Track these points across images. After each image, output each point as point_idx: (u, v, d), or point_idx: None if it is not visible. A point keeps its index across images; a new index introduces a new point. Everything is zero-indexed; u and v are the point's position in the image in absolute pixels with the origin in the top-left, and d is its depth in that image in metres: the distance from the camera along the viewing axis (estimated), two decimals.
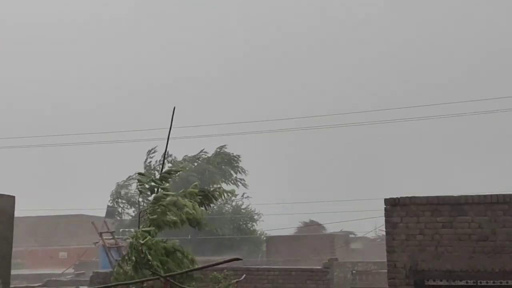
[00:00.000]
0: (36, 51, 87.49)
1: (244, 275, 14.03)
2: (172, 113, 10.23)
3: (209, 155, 43.99)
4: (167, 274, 8.51)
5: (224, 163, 43.49)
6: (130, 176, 41.83)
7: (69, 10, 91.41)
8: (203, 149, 43.89)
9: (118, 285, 9.14)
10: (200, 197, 10.41)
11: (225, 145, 44.30)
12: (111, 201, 40.74)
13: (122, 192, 41.51)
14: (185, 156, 43.49)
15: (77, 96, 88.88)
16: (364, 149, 79.95)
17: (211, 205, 10.68)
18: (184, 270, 9.04)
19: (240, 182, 44.26)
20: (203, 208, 10.41)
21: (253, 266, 20.78)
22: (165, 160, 11.07)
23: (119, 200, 40.79)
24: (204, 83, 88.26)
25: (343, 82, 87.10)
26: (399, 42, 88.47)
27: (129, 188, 41.69)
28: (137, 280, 9.18)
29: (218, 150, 44.19)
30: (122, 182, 42.20)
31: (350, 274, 20.49)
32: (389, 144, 77.77)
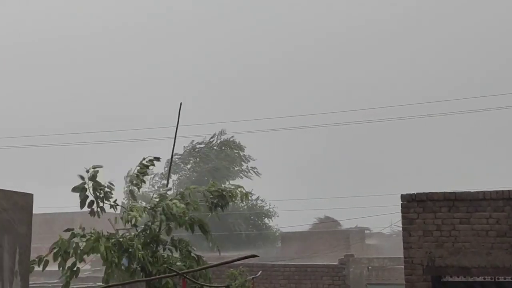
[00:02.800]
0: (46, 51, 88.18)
1: (260, 272, 14.06)
2: (178, 109, 10.20)
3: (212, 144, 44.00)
4: (184, 271, 8.53)
5: (228, 149, 43.37)
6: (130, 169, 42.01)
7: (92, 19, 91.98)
8: (195, 141, 43.76)
9: (135, 282, 9.17)
10: (215, 197, 10.29)
11: (224, 129, 44.00)
12: (125, 198, 41.04)
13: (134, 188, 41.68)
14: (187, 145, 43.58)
15: (102, 98, 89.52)
16: (380, 145, 79.60)
17: (225, 207, 10.47)
18: (200, 267, 9.04)
19: (252, 171, 44.14)
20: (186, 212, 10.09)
21: (269, 263, 20.81)
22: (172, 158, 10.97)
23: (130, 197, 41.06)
24: (216, 81, 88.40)
25: (360, 80, 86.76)
26: (417, 38, 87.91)
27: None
28: (155, 277, 9.21)
29: (218, 135, 44.02)
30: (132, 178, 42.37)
31: (366, 270, 20.41)
32: (406, 140, 77.34)
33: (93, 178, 9.25)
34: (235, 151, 43.96)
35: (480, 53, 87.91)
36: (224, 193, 10.28)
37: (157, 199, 9.97)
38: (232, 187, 10.88)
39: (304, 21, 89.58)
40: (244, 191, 10.76)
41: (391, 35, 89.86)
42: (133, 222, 9.41)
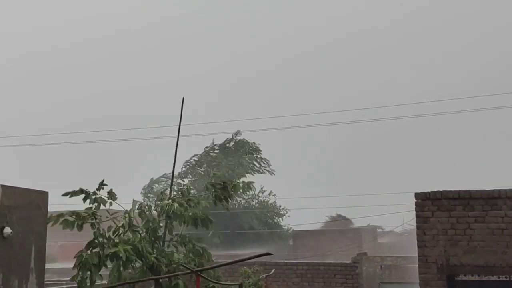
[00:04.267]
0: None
1: (274, 270, 14.03)
2: (181, 104, 10.15)
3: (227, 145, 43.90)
4: (199, 269, 8.55)
5: (243, 152, 43.27)
6: (165, 174, 42.29)
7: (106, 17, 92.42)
8: (215, 143, 43.80)
9: (148, 280, 9.21)
10: (217, 190, 10.28)
11: (239, 130, 43.93)
12: (142, 195, 41.16)
13: (155, 189, 41.91)
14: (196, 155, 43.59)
15: (119, 95, 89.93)
16: (394, 143, 79.31)
17: (229, 199, 10.44)
18: (215, 265, 9.05)
19: (266, 169, 43.99)
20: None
21: (282, 261, 20.79)
22: (175, 157, 10.97)
23: (150, 195, 41.15)
24: (232, 81, 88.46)
25: (373, 79, 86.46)
26: (430, 37, 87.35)
27: (162, 184, 42.12)
28: (169, 275, 9.24)
29: (233, 137, 43.99)
30: (155, 179, 42.71)
31: (379, 268, 20.33)
32: (420, 137, 76.93)
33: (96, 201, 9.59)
34: (250, 154, 43.79)
35: (493, 52, 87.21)
36: (226, 185, 10.27)
37: (158, 199, 10.06)
38: (238, 181, 10.87)
39: (322, 21, 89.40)
40: (246, 182, 10.75)
41: (405, 34, 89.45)
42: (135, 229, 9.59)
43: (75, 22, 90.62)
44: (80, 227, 9.48)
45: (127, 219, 9.85)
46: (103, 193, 10.02)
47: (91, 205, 9.93)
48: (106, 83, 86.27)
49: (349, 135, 78.80)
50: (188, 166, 42.93)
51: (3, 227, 7.36)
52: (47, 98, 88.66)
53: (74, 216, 9.44)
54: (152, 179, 42.49)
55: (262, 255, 7.91)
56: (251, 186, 11.51)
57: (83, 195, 9.98)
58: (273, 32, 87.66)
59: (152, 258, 9.34)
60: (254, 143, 43.97)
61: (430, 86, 79.69)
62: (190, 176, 42.74)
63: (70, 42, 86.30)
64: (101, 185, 9.96)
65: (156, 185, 42.33)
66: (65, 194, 9.75)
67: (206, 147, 43.69)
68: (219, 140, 44.33)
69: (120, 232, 9.79)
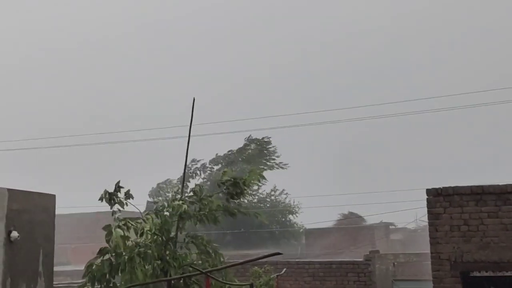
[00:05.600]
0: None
1: (285, 269, 13.95)
2: (192, 105, 10.06)
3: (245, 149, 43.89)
4: (208, 269, 8.47)
5: (257, 154, 43.22)
6: (168, 179, 42.48)
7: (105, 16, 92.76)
8: (231, 150, 43.89)
9: (157, 282, 9.14)
10: (228, 187, 10.16)
11: (250, 135, 43.93)
12: (151, 198, 41.34)
13: (162, 191, 42.07)
14: (217, 154, 43.62)
15: (121, 95, 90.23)
16: (405, 139, 78.86)
17: (241, 197, 10.30)
18: (225, 265, 8.96)
19: (279, 166, 43.85)
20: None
21: (293, 260, 20.70)
22: (187, 157, 10.85)
23: (159, 198, 41.28)
24: (243, 80, 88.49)
25: (384, 74, 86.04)
26: (450, 30, 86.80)
27: (169, 187, 42.30)
28: (177, 276, 9.16)
29: (246, 141, 43.96)
30: (162, 183, 42.90)
31: (392, 266, 20.18)
32: (432, 133, 76.41)
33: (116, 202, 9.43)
34: (267, 157, 43.70)
35: (503, 46, 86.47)
36: (237, 180, 10.10)
37: (169, 200, 9.97)
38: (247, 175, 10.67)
39: (333, 16, 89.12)
40: (258, 175, 10.52)
41: (423, 25, 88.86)
42: (147, 235, 9.44)
43: (84, 22, 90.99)
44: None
45: (152, 221, 9.64)
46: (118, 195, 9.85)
47: (114, 209, 9.69)
48: (108, 84, 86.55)
49: (361, 132, 78.48)
50: (197, 167, 42.97)
51: (10, 231, 7.34)
52: (47, 100, 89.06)
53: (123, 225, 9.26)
54: (158, 184, 42.71)
55: (271, 255, 7.82)
56: (262, 175, 11.27)
57: (107, 197, 9.77)
58: (283, 28, 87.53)
59: (166, 260, 9.25)
60: (268, 142, 43.84)
61: (442, 81, 79.17)
62: (202, 176, 42.77)
63: (76, 42, 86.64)
64: (118, 187, 9.78)
65: (164, 186, 42.49)
66: (100, 199, 9.57)
67: (231, 150, 43.61)
68: (232, 139, 44.40)
69: (149, 235, 9.55)
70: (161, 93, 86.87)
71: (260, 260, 14.03)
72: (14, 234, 7.34)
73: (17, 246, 7.41)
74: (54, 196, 8.13)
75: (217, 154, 43.67)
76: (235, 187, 10.20)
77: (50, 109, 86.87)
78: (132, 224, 9.13)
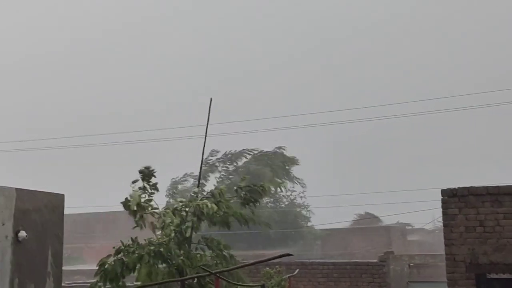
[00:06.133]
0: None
1: (297, 270, 13.85)
2: (209, 105, 10.08)
3: (266, 151, 43.71)
4: (218, 270, 8.40)
5: (280, 167, 43.00)
6: (186, 173, 42.44)
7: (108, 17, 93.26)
8: (258, 149, 43.73)
9: (169, 282, 9.09)
10: (246, 192, 10.10)
11: (283, 146, 43.73)
12: (168, 197, 41.36)
13: (179, 187, 42.06)
14: (243, 150, 43.53)
15: (130, 93, 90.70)
16: (422, 138, 78.18)
17: (259, 201, 10.24)
18: (234, 267, 8.88)
19: (298, 182, 43.80)
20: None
21: (307, 260, 20.57)
22: (203, 155, 10.80)
23: (176, 196, 41.29)
24: (249, 77, 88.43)
25: (398, 74, 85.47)
26: (465, 27, 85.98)
27: (185, 184, 42.28)
28: (188, 277, 9.11)
29: (277, 150, 43.79)
30: (177, 179, 42.82)
31: (407, 267, 19.95)
32: (448, 132, 75.72)
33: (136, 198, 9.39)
34: (284, 165, 43.52)
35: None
36: (255, 187, 10.07)
37: (187, 200, 9.88)
38: (268, 185, 10.62)
39: (343, 11, 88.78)
40: (278, 183, 10.53)
41: (439, 22, 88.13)
42: (168, 230, 9.34)
43: (96, 17, 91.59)
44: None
45: (171, 215, 9.59)
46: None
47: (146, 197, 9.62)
48: (120, 83, 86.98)
49: (377, 131, 78.03)
50: (212, 164, 42.90)
51: (18, 231, 7.29)
52: (58, 99, 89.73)
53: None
54: (172, 179, 42.65)
55: (282, 255, 7.72)
56: (282, 184, 11.27)
57: (142, 175, 9.74)
58: (290, 27, 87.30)
59: (179, 260, 9.18)
60: (295, 158, 43.55)
61: (458, 80, 78.46)
62: (216, 175, 42.70)
63: (84, 39, 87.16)
64: (150, 171, 9.69)
65: (179, 186, 42.49)
66: (133, 182, 9.58)
67: (246, 150, 43.50)
68: (237, 141, 44.34)
69: (171, 229, 9.48)
70: (173, 92, 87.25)
71: (272, 261, 13.94)
72: (22, 233, 7.29)
73: (25, 246, 7.37)
74: (63, 195, 8.07)
75: (230, 151, 43.58)
76: (253, 194, 10.15)
77: (60, 109, 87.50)
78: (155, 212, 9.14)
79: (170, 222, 9.40)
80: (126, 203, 9.36)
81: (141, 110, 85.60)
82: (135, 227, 9.64)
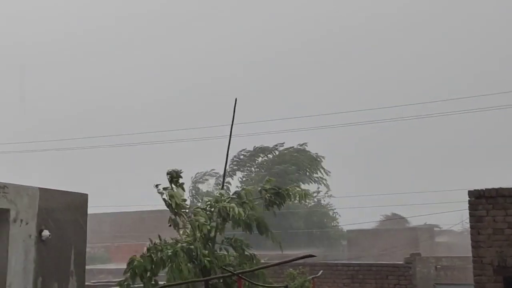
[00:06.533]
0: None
1: (321, 271, 13.74)
2: (234, 105, 10.05)
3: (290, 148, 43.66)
4: (240, 271, 8.36)
5: (305, 164, 42.89)
6: (206, 172, 42.65)
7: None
8: (283, 142, 43.61)
9: (192, 282, 9.08)
10: (271, 195, 10.05)
11: (306, 142, 43.67)
12: (190, 197, 41.56)
13: (200, 187, 42.29)
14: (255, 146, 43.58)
15: (161, 94, 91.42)
16: (450, 138, 77.14)
17: (283, 204, 10.18)
18: (256, 267, 8.83)
19: (323, 182, 43.63)
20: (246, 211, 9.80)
21: (332, 261, 20.42)
22: (228, 153, 10.76)
23: (197, 196, 41.51)
24: (274, 77, 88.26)
25: (422, 74, 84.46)
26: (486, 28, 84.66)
27: (207, 183, 42.52)
28: (211, 277, 9.09)
29: (300, 147, 43.73)
30: (198, 178, 43.04)
31: (434, 269, 19.64)
32: (477, 132, 74.60)
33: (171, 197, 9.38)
34: (315, 166, 43.44)
35: None
36: (280, 191, 10.02)
37: (213, 201, 9.85)
38: (296, 189, 10.52)
39: (361, 8, 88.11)
40: (303, 191, 10.42)
41: (457, 26, 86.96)
42: (201, 230, 9.33)
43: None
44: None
45: (204, 214, 9.59)
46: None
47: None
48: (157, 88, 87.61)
49: (404, 131, 77.23)
50: (236, 162, 42.98)
51: (42, 230, 7.37)
52: (80, 102, 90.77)
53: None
54: (192, 178, 42.84)
55: (304, 257, 7.64)
56: (308, 194, 11.21)
57: (170, 177, 9.72)
58: (309, 29, 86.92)
59: (206, 260, 9.15)
60: (322, 156, 43.41)
61: (482, 79, 77.14)
62: (241, 174, 42.75)
63: (112, 39, 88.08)
64: (178, 173, 9.68)
65: (200, 186, 42.70)
66: (156, 186, 9.56)
67: (264, 147, 43.49)
68: (263, 142, 44.39)
69: (202, 229, 9.46)
70: (197, 92, 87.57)
71: (297, 262, 13.85)
72: (46, 233, 7.37)
73: (49, 245, 7.45)
74: (86, 195, 8.14)
75: (255, 146, 43.56)
76: (278, 197, 10.09)
77: (87, 108, 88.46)
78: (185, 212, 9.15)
79: (204, 222, 9.39)
80: (169, 203, 9.32)
81: (168, 111, 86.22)
82: (170, 225, 9.66)
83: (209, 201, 10.05)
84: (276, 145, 43.62)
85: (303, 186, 37.91)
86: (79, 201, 8.06)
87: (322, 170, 43.46)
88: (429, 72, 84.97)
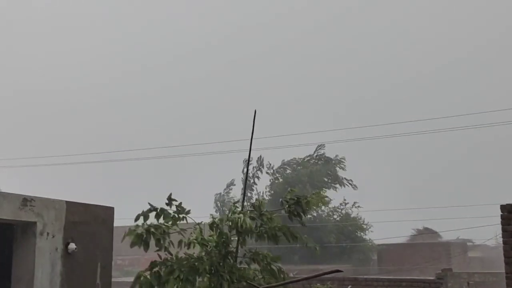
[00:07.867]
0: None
1: (350, 286, 13.54)
2: (253, 117, 9.94)
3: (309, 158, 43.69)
4: (265, 286, 8.24)
5: (325, 169, 42.80)
6: (228, 184, 42.90)
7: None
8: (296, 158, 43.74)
9: None
10: (291, 205, 9.93)
11: (323, 144, 43.63)
12: (216, 210, 41.62)
13: (226, 200, 42.44)
14: (283, 160, 43.65)
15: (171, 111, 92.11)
16: (483, 152, 75.82)
17: (304, 214, 10.03)
18: (281, 282, 8.70)
19: (349, 183, 43.27)
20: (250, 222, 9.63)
21: (361, 276, 20.10)
22: (249, 165, 10.77)
23: (224, 209, 41.60)
24: (300, 88, 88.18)
25: (455, 88, 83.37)
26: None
27: (230, 195, 42.77)
28: None
29: (318, 152, 43.68)
30: (223, 192, 43.26)
31: (466, 285, 19.20)
32: (509, 146, 73.08)
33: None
34: (334, 167, 43.31)
35: None
36: (300, 200, 9.89)
37: (225, 214, 9.78)
38: (313, 196, 10.40)
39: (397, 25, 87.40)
40: (319, 195, 10.23)
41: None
42: (204, 245, 9.28)
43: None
44: (146, 245, 9.20)
45: (198, 231, 9.57)
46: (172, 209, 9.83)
47: (164, 223, 9.65)
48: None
49: (435, 145, 76.13)
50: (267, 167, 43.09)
51: (68, 243, 7.42)
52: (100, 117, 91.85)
53: (144, 231, 9.24)
54: (216, 194, 43.08)
55: (331, 272, 7.52)
56: (325, 200, 11.03)
57: (154, 213, 9.71)
58: (340, 44, 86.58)
59: (223, 274, 9.06)
60: (338, 156, 43.37)
61: (501, 95, 75.76)
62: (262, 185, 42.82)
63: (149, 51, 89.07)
64: (170, 200, 9.74)
65: (227, 197, 42.88)
66: (137, 218, 9.47)
67: (294, 158, 43.57)
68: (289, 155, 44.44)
69: (192, 246, 9.51)
70: (223, 106, 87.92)
71: (325, 276, 13.67)
72: (72, 246, 7.42)
73: (75, 258, 7.49)
74: (112, 208, 8.18)
75: (283, 160, 43.63)
76: (298, 206, 9.96)
77: (113, 121, 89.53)
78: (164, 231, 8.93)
79: (195, 239, 9.32)
80: (132, 237, 9.16)
81: (192, 126, 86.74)
82: (156, 251, 9.50)
83: (217, 215, 10.00)
84: (308, 156, 43.71)
85: (326, 192, 37.55)
86: (105, 214, 8.11)
87: (345, 180, 43.23)
88: (460, 86, 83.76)
